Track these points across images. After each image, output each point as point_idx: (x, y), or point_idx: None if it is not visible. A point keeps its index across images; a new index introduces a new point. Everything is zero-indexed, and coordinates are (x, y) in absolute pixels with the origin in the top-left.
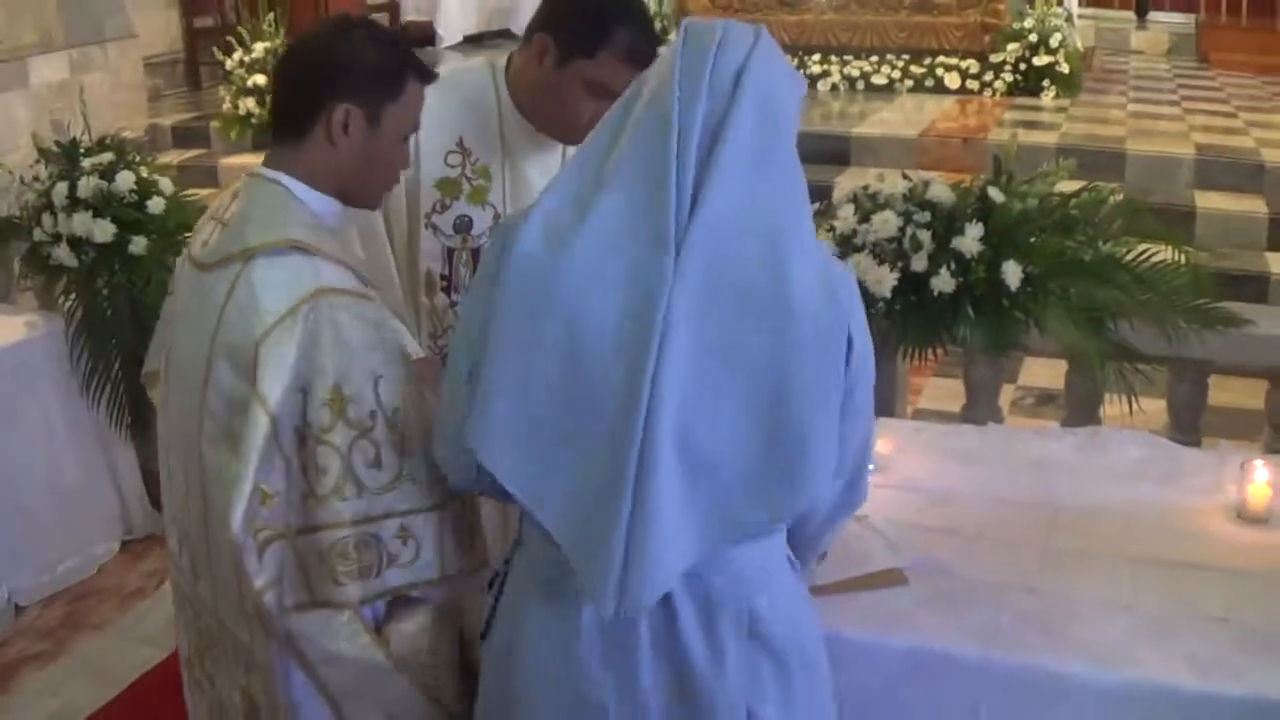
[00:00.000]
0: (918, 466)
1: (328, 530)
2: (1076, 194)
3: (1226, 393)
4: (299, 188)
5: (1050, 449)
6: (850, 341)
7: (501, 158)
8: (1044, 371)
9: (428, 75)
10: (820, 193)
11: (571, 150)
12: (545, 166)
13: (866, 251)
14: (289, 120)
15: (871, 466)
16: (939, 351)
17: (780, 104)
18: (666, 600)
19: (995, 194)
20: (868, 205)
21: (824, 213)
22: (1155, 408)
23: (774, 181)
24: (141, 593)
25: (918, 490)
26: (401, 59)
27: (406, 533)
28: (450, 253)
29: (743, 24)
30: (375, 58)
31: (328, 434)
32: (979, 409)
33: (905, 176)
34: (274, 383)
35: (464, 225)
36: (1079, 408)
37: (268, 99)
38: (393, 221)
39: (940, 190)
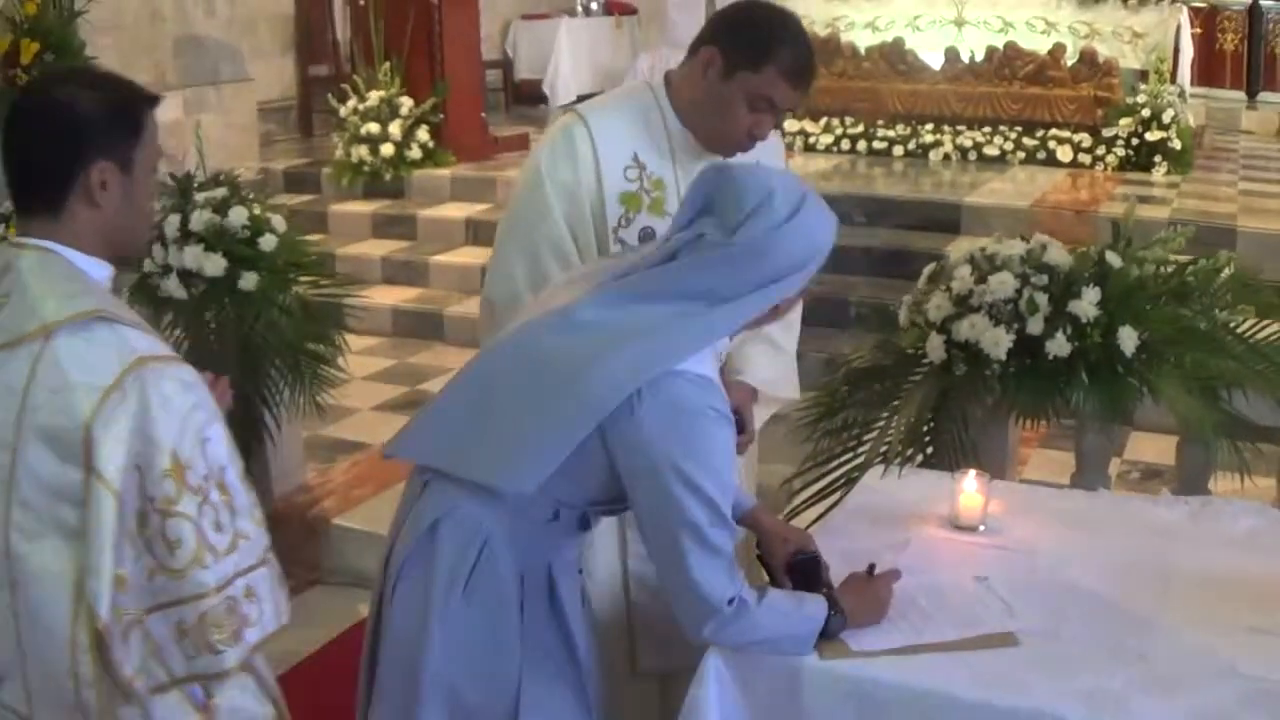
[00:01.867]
0: (1029, 529)
1: (193, 602)
2: (1193, 262)
3: None
4: (73, 254)
5: (1162, 516)
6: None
7: (673, 168)
8: (1150, 446)
9: (153, 98)
10: (931, 259)
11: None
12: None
13: (983, 312)
14: (40, 194)
15: (981, 527)
16: (1048, 421)
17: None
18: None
19: (1113, 258)
20: (985, 267)
21: (937, 276)
22: (1265, 485)
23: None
24: None
25: (1029, 552)
26: (133, 96)
27: (250, 590)
28: None
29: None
30: (111, 104)
31: (175, 504)
32: (1089, 477)
33: (1023, 239)
34: (111, 462)
35: (648, 236)
36: (1190, 479)
37: (380, 148)
38: (581, 243)
39: (1058, 254)
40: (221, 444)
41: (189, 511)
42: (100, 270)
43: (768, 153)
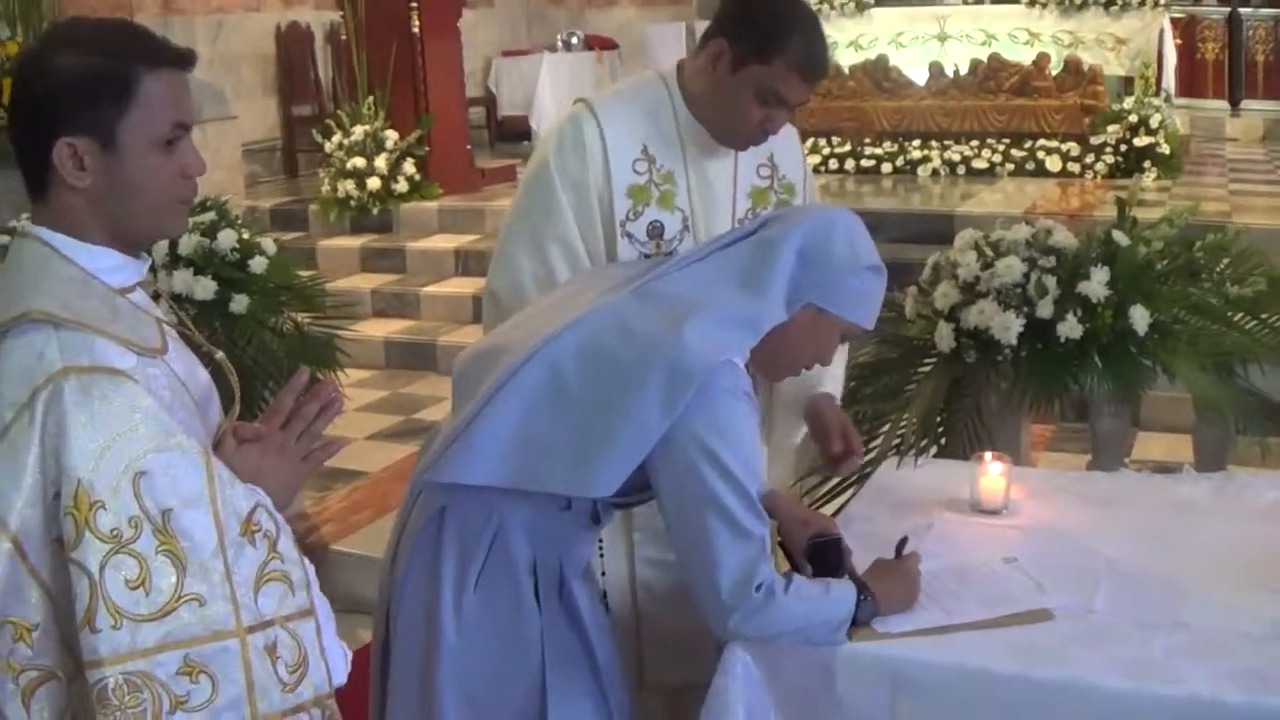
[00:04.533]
0: (1053, 510)
1: (89, 670)
2: (1201, 237)
3: None
4: (62, 241)
5: (1185, 492)
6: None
7: (683, 161)
8: (1158, 445)
9: (166, 55)
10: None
11: (743, 155)
12: (722, 170)
13: (991, 298)
14: (24, 174)
15: (1004, 510)
16: (1060, 413)
17: (784, 250)
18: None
19: (1120, 237)
20: (989, 253)
21: (940, 268)
22: None
23: (719, 279)
24: None
25: (1055, 532)
26: (117, 57)
27: (194, 666)
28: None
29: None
30: (80, 71)
31: (74, 550)
32: (1106, 462)
33: (1027, 222)
34: (12, 494)
35: (657, 231)
36: (1207, 460)
37: (366, 182)
38: (588, 237)
39: (1063, 236)
40: (175, 480)
41: (85, 560)
42: (98, 259)
43: (783, 146)
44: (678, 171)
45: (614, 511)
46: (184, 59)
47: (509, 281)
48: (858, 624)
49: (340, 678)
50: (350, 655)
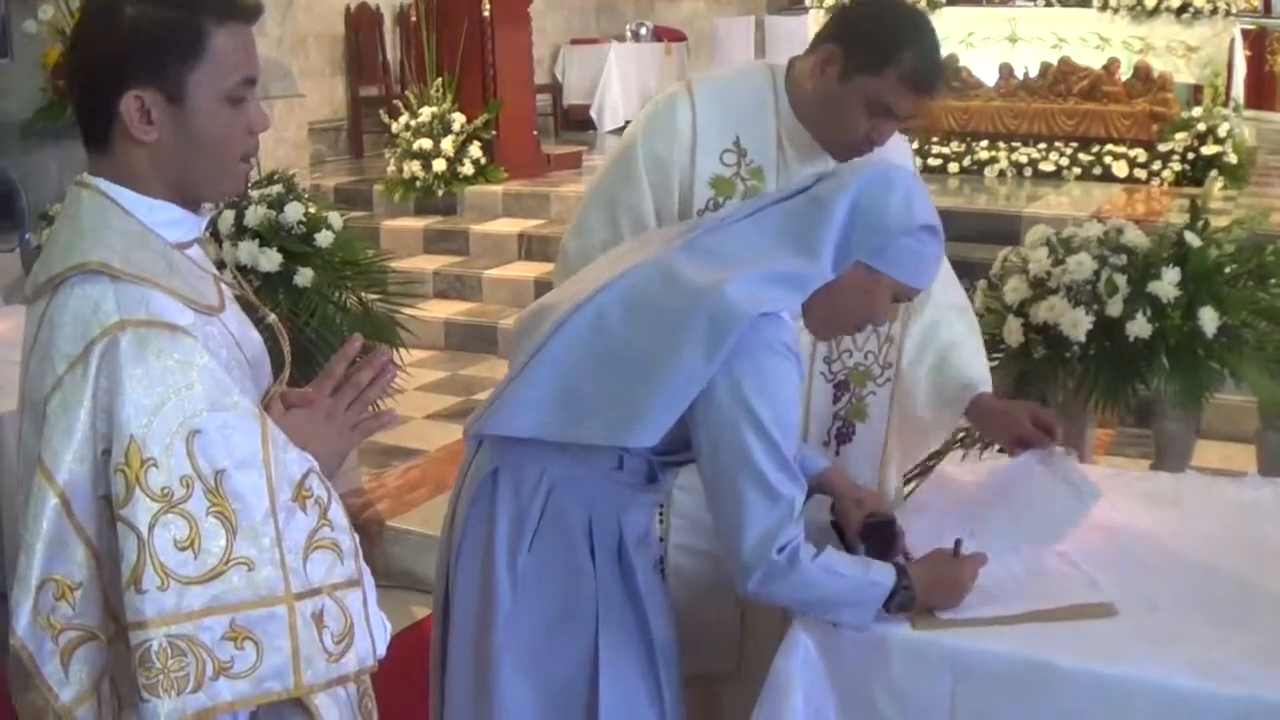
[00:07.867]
0: (1116, 508)
1: (133, 631)
2: (1273, 240)
3: None
4: (121, 193)
5: (1248, 495)
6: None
7: (776, 160)
8: (1214, 453)
9: (235, 9)
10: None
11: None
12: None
13: (1061, 294)
14: (84, 125)
15: None
16: (1127, 410)
17: (836, 207)
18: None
19: (1192, 238)
20: (1061, 250)
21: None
22: None
23: (769, 237)
24: None
25: (1116, 529)
26: (188, 9)
27: (240, 632)
28: None
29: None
30: (150, 23)
31: (121, 508)
32: (1170, 466)
33: (1099, 220)
34: (61, 448)
35: None
36: (1271, 463)
37: (432, 164)
38: (663, 215)
39: (1135, 235)
40: (229, 441)
41: (134, 518)
42: (156, 212)
43: (893, 157)
44: (768, 168)
45: (671, 471)
46: (251, 13)
47: (579, 242)
48: (892, 611)
49: (381, 651)
50: (390, 628)
